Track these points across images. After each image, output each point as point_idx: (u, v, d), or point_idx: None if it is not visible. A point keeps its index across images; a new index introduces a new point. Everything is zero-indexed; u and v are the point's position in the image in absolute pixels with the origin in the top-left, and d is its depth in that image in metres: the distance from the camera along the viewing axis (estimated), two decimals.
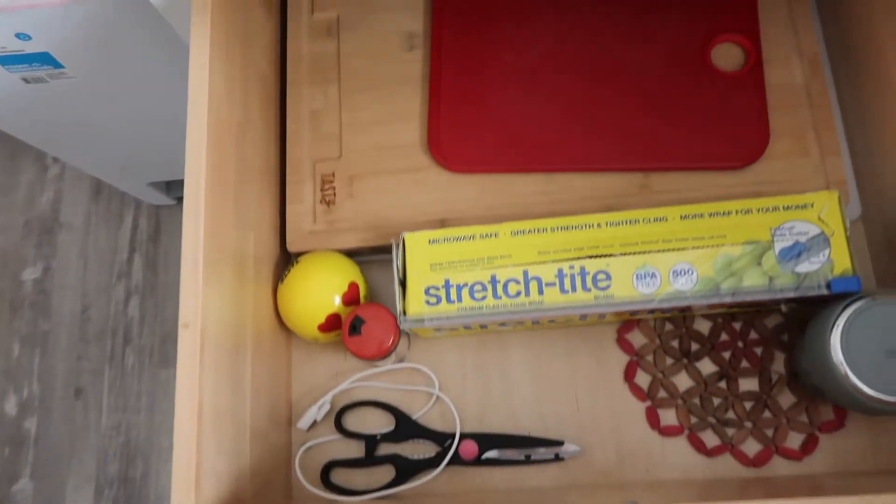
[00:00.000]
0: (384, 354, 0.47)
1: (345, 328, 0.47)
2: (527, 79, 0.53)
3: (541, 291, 0.46)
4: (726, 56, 0.52)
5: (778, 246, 0.44)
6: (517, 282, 0.46)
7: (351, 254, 0.52)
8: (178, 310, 0.38)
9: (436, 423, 0.51)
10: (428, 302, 0.46)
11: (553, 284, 0.45)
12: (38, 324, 1.14)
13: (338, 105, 0.54)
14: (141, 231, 1.16)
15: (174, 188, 1.13)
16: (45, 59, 0.66)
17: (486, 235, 0.47)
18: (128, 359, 1.11)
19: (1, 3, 0.56)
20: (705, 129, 0.51)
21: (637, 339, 0.51)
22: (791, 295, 0.44)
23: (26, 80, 0.70)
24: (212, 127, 0.42)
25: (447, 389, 0.51)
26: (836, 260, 0.44)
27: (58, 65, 0.68)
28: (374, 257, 0.54)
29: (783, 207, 0.45)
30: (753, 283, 0.44)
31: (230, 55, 0.46)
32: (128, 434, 1.08)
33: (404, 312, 0.46)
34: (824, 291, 0.43)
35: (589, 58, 0.53)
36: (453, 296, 0.46)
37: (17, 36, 0.62)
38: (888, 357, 0.42)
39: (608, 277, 0.45)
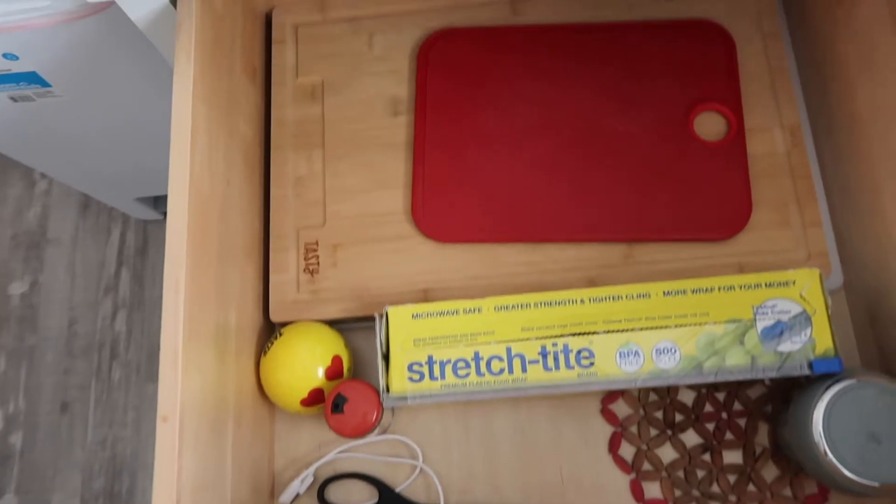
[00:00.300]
0: (366, 432, 0.46)
1: (327, 406, 0.46)
2: (512, 147, 0.53)
3: (524, 369, 0.45)
4: (709, 125, 0.53)
5: (760, 325, 0.44)
6: (501, 359, 0.46)
7: (335, 323, 0.52)
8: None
9: (420, 495, 0.50)
10: (411, 378, 0.46)
11: (536, 362, 0.45)
12: (24, 338, 1.13)
13: (322, 171, 0.54)
14: (128, 246, 1.16)
15: (161, 203, 1.13)
16: (32, 78, 0.67)
17: (470, 311, 0.47)
18: (114, 373, 1.11)
19: None
20: (688, 200, 0.51)
21: (621, 409, 0.51)
22: (773, 375, 0.44)
23: (14, 99, 0.71)
24: (193, 204, 0.42)
25: (431, 461, 0.51)
26: (817, 339, 0.44)
27: (45, 84, 0.68)
28: (358, 325, 0.53)
29: (765, 285, 0.45)
30: (736, 362, 0.44)
31: (213, 129, 0.46)
32: (114, 449, 1.07)
33: (387, 389, 0.46)
34: (806, 372, 0.43)
35: (573, 126, 0.53)
36: (436, 372, 0.46)
37: (5, 56, 0.62)
38: (869, 441, 0.42)
39: (591, 355, 0.45)
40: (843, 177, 0.51)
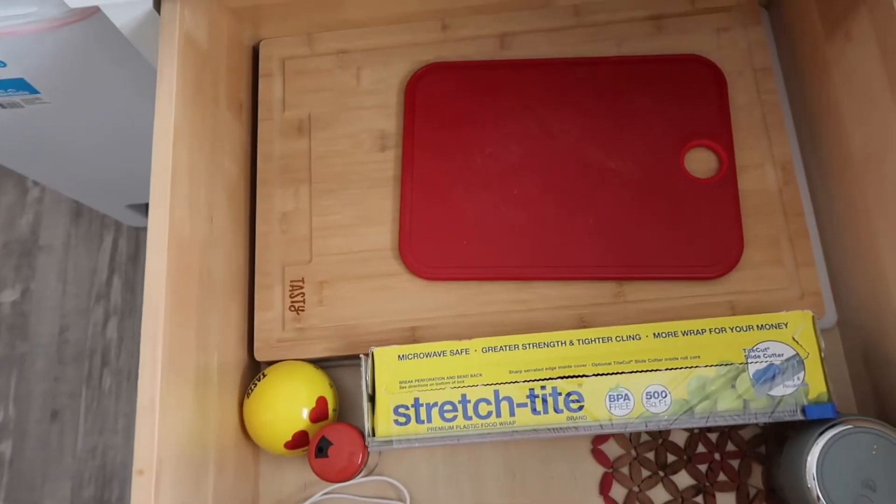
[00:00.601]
0: (351, 477, 0.45)
1: (311, 451, 0.45)
2: (499, 183, 0.52)
3: (512, 412, 0.45)
4: (700, 162, 0.52)
5: (752, 368, 0.44)
6: (488, 402, 0.45)
7: (322, 360, 0.51)
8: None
9: None
10: (397, 421, 0.45)
11: (524, 405, 0.45)
12: (15, 346, 1.13)
13: (308, 207, 0.54)
14: (120, 253, 1.16)
15: None
16: (20, 84, 0.67)
17: (457, 352, 0.46)
18: (105, 380, 1.10)
19: None
20: (679, 238, 0.50)
21: (612, 450, 0.50)
22: (766, 420, 0.43)
23: (2, 106, 0.70)
24: (172, 257, 0.41)
25: (419, 502, 0.50)
26: (811, 384, 0.43)
27: (33, 90, 0.68)
28: (345, 362, 0.53)
29: (757, 327, 0.44)
30: (728, 406, 0.43)
31: (195, 170, 0.45)
32: (104, 457, 1.07)
33: (373, 433, 0.45)
34: (799, 417, 0.43)
35: (562, 163, 0.53)
36: (423, 415, 0.45)
37: None
38: (864, 487, 0.41)
39: (581, 398, 0.44)
40: (837, 215, 0.51)
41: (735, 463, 0.49)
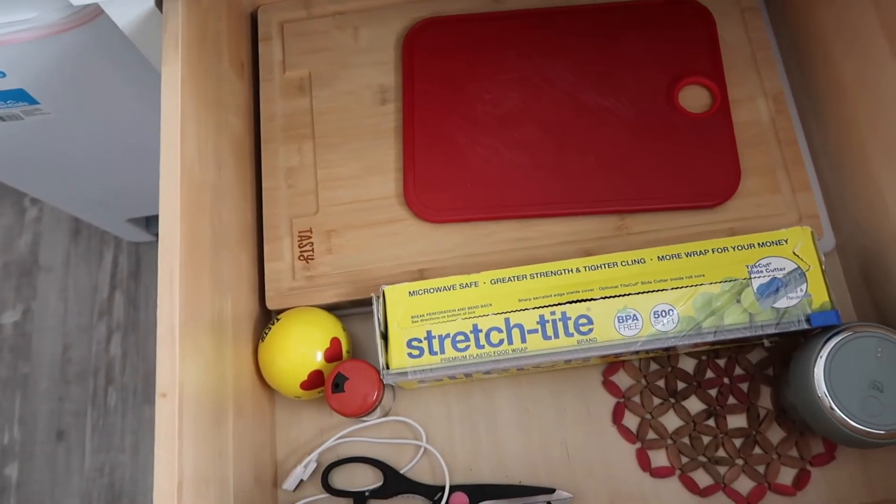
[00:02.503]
0: (368, 410, 0.46)
1: (328, 386, 0.46)
2: (500, 128, 0.54)
3: (523, 339, 0.45)
4: (693, 98, 0.54)
5: (756, 283, 0.45)
6: (499, 330, 0.46)
7: (332, 308, 0.52)
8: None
9: (425, 477, 0.50)
10: (410, 354, 0.46)
11: (535, 331, 0.45)
12: (17, 367, 1.12)
13: (313, 161, 0.55)
14: (121, 269, 1.16)
15: (153, 224, 1.13)
16: (20, 95, 0.66)
17: (466, 285, 0.47)
18: (111, 398, 1.09)
19: None
20: (678, 170, 0.51)
21: (623, 380, 0.51)
22: (772, 331, 0.44)
23: (1, 118, 0.70)
24: (185, 192, 0.42)
25: (435, 441, 0.50)
26: (813, 294, 0.44)
27: (33, 101, 0.67)
28: (356, 310, 0.53)
29: (758, 244, 0.46)
30: (734, 320, 0.44)
31: (202, 119, 0.46)
32: (112, 475, 1.06)
33: (387, 366, 0.46)
34: (804, 326, 0.44)
35: (559, 105, 0.54)
36: (436, 347, 0.46)
37: None
38: (871, 389, 0.42)
39: (590, 322, 0.45)
40: (829, 140, 0.52)
41: (744, 386, 0.50)
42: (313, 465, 0.50)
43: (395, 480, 0.49)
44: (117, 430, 1.07)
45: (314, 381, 0.48)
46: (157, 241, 1.13)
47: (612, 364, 0.52)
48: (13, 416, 1.10)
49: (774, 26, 0.57)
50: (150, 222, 1.12)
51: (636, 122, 0.53)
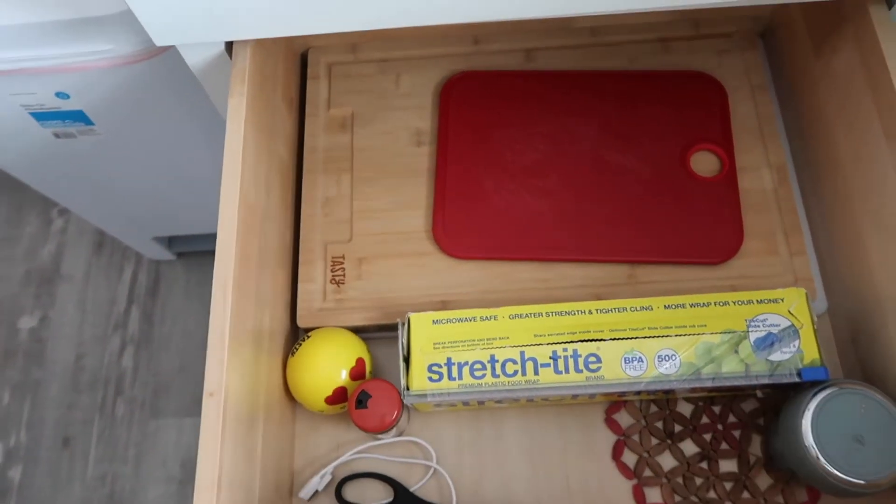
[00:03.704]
0: (387, 428, 0.49)
1: (351, 402, 0.49)
2: (525, 176, 0.58)
3: (536, 371, 0.49)
4: (704, 163, 0.58)
5: (753, 336, 0.49)
6: (514, 361, 0.49)
7: (357, 331, 0.56)
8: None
9: (433, 495, 0.53)
10: (430, 378, 0.49)
11: (548, 365, 0.49)
12: (30, 372, 1.14)
13: (350, 193, 0.59)
14: (140, 284, 1.19)
15: (176, 244, 1.16)
16: (78, 116, 0.70)
17: (486, 318, 0.51)
18: (118, 409, 1.12)
19: (49, 64, 0.60)
20: (686, 228, 0.56)
21: (624, 419, 0.55)
22: (766, 381, 0.48)
23: (57, 136, 0.74)
24: (241, 211, 0.46)
25: (444, 462, 0.54)
26: (805, 350, 0.48)
27: (89, 122, 0.71)
28: (379, 335, 0.57)
29: (757, 301, 0.50)
30: (731, 369, 0.48)
31: (258, 147, 0.51)
32: (113, 485, 1.07)
33: (408, 388, 0.49)
34: (795, 379, 0.47)
35: (582, 160, 0.58)
36: (454, 373, 0.49)
37: (57, 94, 0.66)
38: (854, 442, 0.46)
39: (599, 360, 0.49)
40: (825, 211, 0.57)
41: (736, 433, 0.54)
42: (328, 478, 0.53)
43: (404, 497, 0.52)
44: (122, 442, 1.09)
45: (338, 396, 0.51)
46: (177, 260, 1.17)
47: (615, 403, 0.55)
48: (21, 419, 1.12)
49: (781, 103, 0.62)
50: (172, 242, 1.15)
51: (651, 181, 0.58)
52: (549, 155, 0.59)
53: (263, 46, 0.53)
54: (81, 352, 1.15)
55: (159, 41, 0.47)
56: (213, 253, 0.44)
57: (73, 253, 1.22)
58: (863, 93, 0.50)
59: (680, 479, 0.52)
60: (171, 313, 1.16)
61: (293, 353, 0.52)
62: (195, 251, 1.17)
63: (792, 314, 0.49)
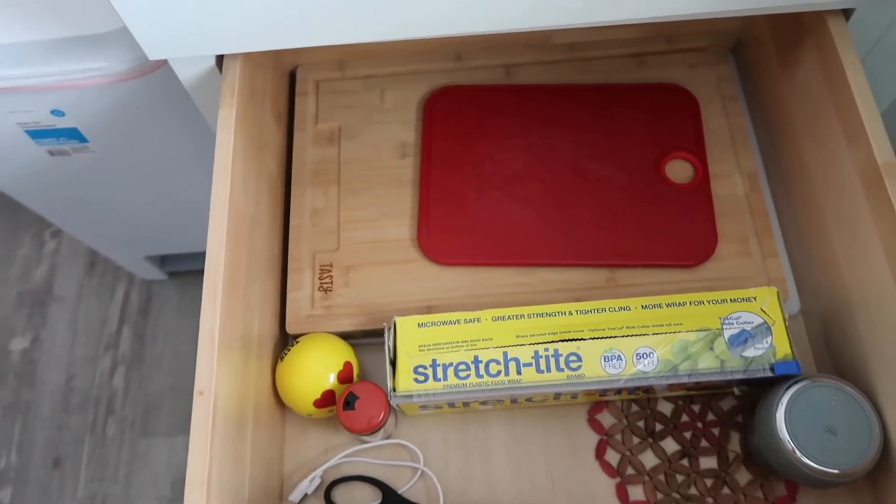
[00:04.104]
0: (375, 429, 0.50)
1: (339, 403, 0.51)
2: (506, 185, 0.60)
3: (519, 371, 0.50)
4: (678, 170, 0.60)
5: (727, 333, 0.50)
6: (498, 362, 0.51)
7: (345, 337, 0.57)
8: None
9: (421, 497, 0.54)
10: (416, 379, 0.51)
11: (530, 365, 0.50)
12: (21, 393, 1.14)
13: (336, 204, 0.61)
14: (132, 304, 1.20)
15: (168, 263, 1.17)
16: (72, 133, 0.71)
17: (470, 320, 0.52)
18: (109, 428, 1.12)
19: (45, 81, 0.62)
20: (663, 233, 0.58)
21: (606, 419, 0.56)
22: (740, 376, 0.49)
23: (51, 153, 0.75)
24: (231, 219, 0.48)
25: (431, 465, 0.55)
26: (777, 346, 0.50)
27: (83, 139, 0.72)
28: (366, 341, 0.58)
29: (730, 300, 0.51)
30: (707, 365, 0.50)
31: (247, 158, 0.52)
32: None
33: (395, 389, 0.50)
34: (769, 373, 0.49)
35: (561, 169, 0.61)
36: (440, 374, 0.51)
37: (53, 112, 0.67)
38: (827, 433, 0.47)
39: (579, 359, 0.50)
40: (796, 214, 0.59)
41: (716, 430, 0.55)
42: (318, 481, 0.54)
43: (392, 499, 0.53)
44: (112, 462, 1.09)
45: (326, 399, 0.52)
46: (169, 280, 1.17)
47: (597, 404, 0.57)
48: (12, 441, 1.11)
49: (751, 113, 0.65)
50: (164, 261, 1.16)
51: (627, 188, 0.60)
52: (529, 164, 0.61)
53: (252, 61, 0.55)
54: (72, 372, 1.15)
55: (153, 55, 0.49)
56: (204, 271, 0.45)
57: (66, 273, 1.23)
58: (824, 100, 0.53)
59: (662, 477, 0.54)
60: (163, 333, 1.17)
61: (282, 358, 0.54)
62: (187, 270, 1.18)
63: (764, 312, 0.51)
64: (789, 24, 0.57)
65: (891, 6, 0.52)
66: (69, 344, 1.17)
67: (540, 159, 0.61)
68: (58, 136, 0.72)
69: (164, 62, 0.62)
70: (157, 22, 0.46)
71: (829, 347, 0.55)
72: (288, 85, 0.67)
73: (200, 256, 1.10)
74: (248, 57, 0.53)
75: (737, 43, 0.68)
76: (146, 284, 1.20)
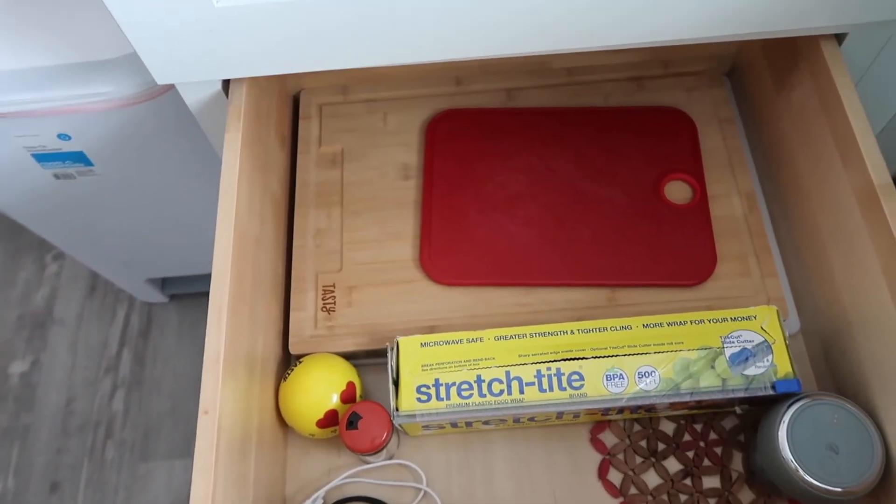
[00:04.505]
0: (378, 448, 0.51)
1: (342, 422, 0.51)
2: (507, 206, 0.61)
3: (521, 390, 0.51)
4: (677, 192, 0.61)
5: (728, 351, 0.51)
6: (500, 381, 0.51)
7: (347, 357, 0.57)
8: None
9: None
10: (419, 399, 0.51)
11: (532, 384, 0.51)
12: (20, 417, 1.14)
13: (340, 225, 0.61)
14: (132, 327, 1.20)
15: (169, 285, 1.17)
16: (78, 157, 0.72)
17: (473, 340, 0.52)
18: (108, 452, 1.11)
19: (52, 106, 0.63)
20: (662, 253, 0.58)
21: (609, 439, 0.56)
22: (742, 395, 0.49)
23: (56, 177, 0.76)
24: (236, 239, 0.48)
25: (434, 485, 0.55)
26: (778, 364, 0.50)
27: (88, 163, 0.73)
28: (368, 361, 0.59)
29: (731, 319, 0.52)
30: (709, 383, 0.50)
31: (252, 179, 0.53)
32: None
33: (398, 408, 0.51)
34: (770, 392, 0.49)
35: (562, 191, 0.61)
36: (442, 394, 0.51)
37: (59, 136, 0.68)
38: (829, 451, 0.47)
39: (581, 378, 0.51)
40: (794, 234, 0.59)
41: (718, 449, 0.55)
42: (320, 502, 0.53)
43: None
44: (111, 486, 1.08)
45: (329, 419, 0.52)
46: (170, 302, 1.18)
47: (600, 423, 0.57)
48: (9, 465, 1.11)
49: (748, 134, 0.66)
50: (165, 284, 1.17)
51: (627, 209, 0.60)
52: (530, 186, 0.62)
53: (258, 85, 0.56)
54: (72, 395, 1.15)
55: (162, 80, 0.50)
56: (206, 294, 0.45)
57: (67, 296, 1.23)
58: (820, 122, 0.54)
59: (665, 496, 0.54)
60: (163, 355, 1.17)
61: (285, 378, 0.54)
62: (188, 293, 1.19)
63: (764, 330, 0.51)
64: (783, 49, 0.59)
65: (882, 31, 0.54)
66: (69, 367, 1.17)
67: (540, 181, 0.62)
68: (63, 160, 0.73)
69: (170, 87, 0.64)
70: (167, 47, 0.47)
71: (830, 365, 0.56)
72: (292, 109, 0.68)
73: (201, 279, 1.11)
74: (254, 81, 0.54)
75: (732, 66, 0.69)
76: (147, 307, 1.21)
